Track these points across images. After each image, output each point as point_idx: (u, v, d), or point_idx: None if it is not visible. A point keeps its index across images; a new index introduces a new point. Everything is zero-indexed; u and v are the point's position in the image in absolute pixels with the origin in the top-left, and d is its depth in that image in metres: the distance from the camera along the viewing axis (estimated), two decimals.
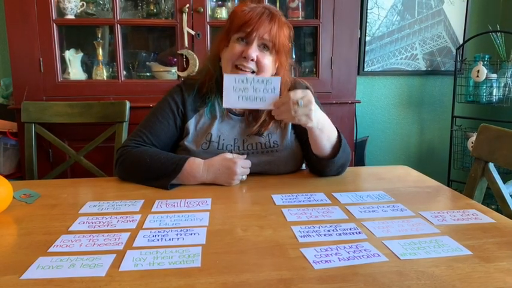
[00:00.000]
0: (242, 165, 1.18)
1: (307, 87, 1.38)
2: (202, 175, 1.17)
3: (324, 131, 1.18)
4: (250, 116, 1.31)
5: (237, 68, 1.22)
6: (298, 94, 1.09)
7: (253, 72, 1.22)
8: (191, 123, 1.29)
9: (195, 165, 1.17)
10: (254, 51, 1.20)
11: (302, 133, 1.28)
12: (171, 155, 1.22)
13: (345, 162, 1.26)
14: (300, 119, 1.11)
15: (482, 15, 2.77)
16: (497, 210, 1.08)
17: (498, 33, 2.39)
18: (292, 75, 1.39)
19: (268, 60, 1.23)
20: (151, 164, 1.18)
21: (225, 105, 1.14)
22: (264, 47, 1.22)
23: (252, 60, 1.20)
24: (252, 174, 1.23)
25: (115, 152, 1.68)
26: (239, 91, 1.11)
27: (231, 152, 1.24)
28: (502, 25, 2.68)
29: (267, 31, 1.20)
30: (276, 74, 1.27)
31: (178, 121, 1.30)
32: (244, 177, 1.21)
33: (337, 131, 1.23)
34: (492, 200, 2.04)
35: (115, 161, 1.25)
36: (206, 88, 1.30)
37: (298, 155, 1.32)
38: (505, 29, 2.46)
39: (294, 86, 1.34)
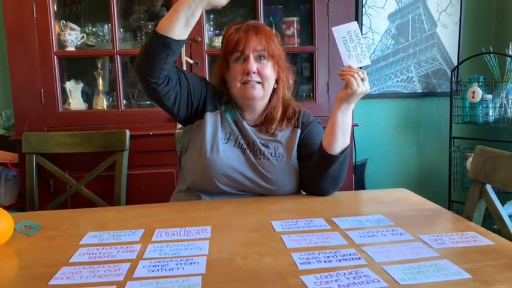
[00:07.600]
0: None
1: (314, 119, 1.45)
2: None
3: (345, 121, 1.27)
4: (263, 126, 1.38)
5: (244, 84, 1.32)
6: (365, 75, 1.23)
7: (258, 83, 1.32)
8: (208, 115, 1.35)
9: None
10: (253, 65, 1.30)
11: (304, 153, 1.36)
12: None
13: (341, 173, 1.30)
14: (354, 83, 1.21)
15: (475, 37, 2.82)
16: (499, 230, 1.08)
17: (491, 55, 2.43)
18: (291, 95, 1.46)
19: (268, 69, 1.33)
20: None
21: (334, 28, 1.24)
22: (260, 57, 1.33)
23: (254, 72, 1.31)
24: (253, 194, 1.29)
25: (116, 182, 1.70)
26: (348, 34, 1.23)
27: None
28: (495, 46, 2.72)
29: (258, 43, 1.31)
30: (278, 79, 1.37)
31: (203, 94, 1.36)
32: None
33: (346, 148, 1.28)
34: (493, 220, 2.03)
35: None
36: (224, 95, 1.39)
37: (297, 173, 1.36)
38: (498, 50, 2.50)
39: (303, 116, 1.41)
